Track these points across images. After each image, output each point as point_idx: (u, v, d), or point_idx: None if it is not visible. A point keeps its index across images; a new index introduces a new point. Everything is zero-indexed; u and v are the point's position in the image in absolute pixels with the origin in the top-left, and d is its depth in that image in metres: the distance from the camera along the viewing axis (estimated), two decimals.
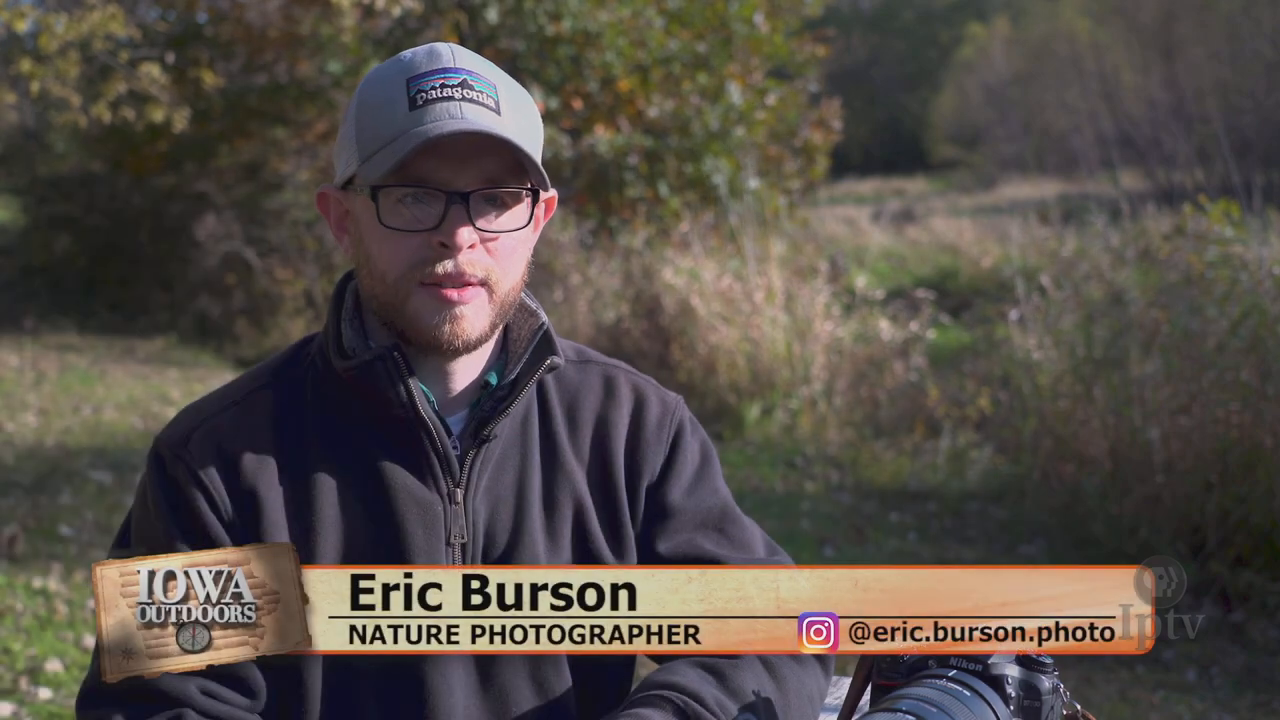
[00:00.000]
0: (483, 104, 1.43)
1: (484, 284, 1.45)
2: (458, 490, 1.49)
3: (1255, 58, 19.53)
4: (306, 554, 1.44)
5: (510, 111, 1.45)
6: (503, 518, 1.51)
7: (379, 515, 1.48)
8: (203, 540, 1.44)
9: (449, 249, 1.42)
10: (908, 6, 41.59)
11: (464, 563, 1.49)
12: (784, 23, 12.25)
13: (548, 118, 10.42)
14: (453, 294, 1.44)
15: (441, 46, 1.48)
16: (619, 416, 1.59)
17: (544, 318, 1.57)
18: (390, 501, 1.48)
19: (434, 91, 1.42)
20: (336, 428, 1.50)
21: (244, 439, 1.48)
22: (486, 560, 1.50)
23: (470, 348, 1.48)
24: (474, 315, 1.46)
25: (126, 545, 1.50)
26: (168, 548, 1.43)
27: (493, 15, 11.00)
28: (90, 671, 1.43)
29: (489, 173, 1.43)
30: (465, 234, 1.42)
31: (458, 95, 1.43)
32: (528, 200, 1.47)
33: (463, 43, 9.88)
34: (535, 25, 11.08)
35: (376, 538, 1.47)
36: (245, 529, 1.45)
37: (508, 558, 1.50)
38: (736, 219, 9.59)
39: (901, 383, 7.96)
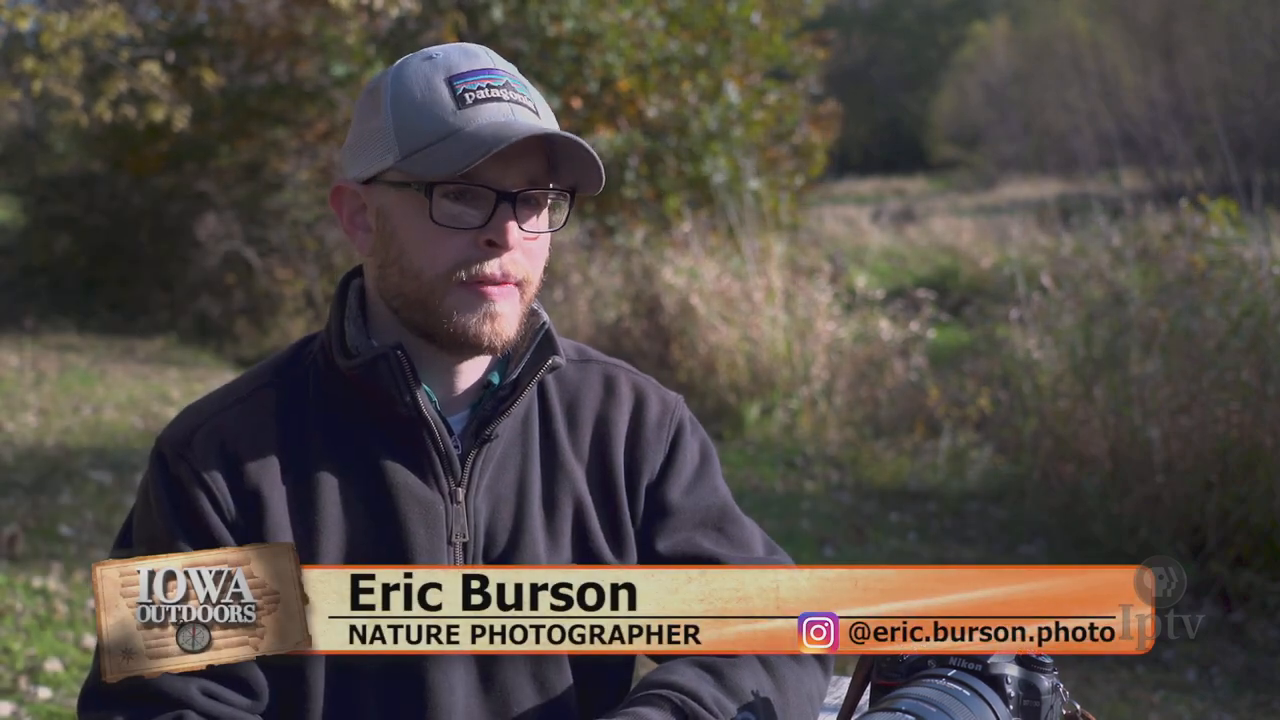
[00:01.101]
0: (525, 105, 1.45)
1: (519, 284, 1.46)
2: (459, 490, 1.50)
3: (1255, 58, 19.54)
4: (309, 553, 1.45)
5: (544, 113, 1.47)
6: (503, 517, 1.52)
7: (381, 514, 1.48)
8: (205, 540, 1.44)
9: (497, 248, 1.43)
10: (908, 6, 41.59)
11: (465, 562, 1.49)
12: (783, 23, 12.25)
13: None
14: (493, 291, 1.44)
15: (473, 46, 1.49)
16: (619, 415, 1.59)
17: (545, 317, 1.57)
18: (392, 500, 1.48)
19: (481, 91, 1.43)
20: (339, 426, 1.50)
21: (247, 438, 1.48)
22: (487, 559, 1.50)
23: (505, 347, 1.48)
24: (510, 314, 1.46)
25: (128, 545, 1.50)
26: (169, 547, 1.43)
27: (497, 15, 11.02)
28: (91, 672, 1.43)
29: (531, 173, 1.44)
30: (515, 234, 1.43)
31: (505, 96, 1.44)
32: (565, 201, 1.48)
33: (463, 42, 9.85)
34: (537, 25, 11.09)
35: (379, 537, 1.47)
36: (248, 528, 1.45)
37: (508, 556, 1.51)
38: (736, 218, 9.59)
39: (901, 383, 7.96)
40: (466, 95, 1.43)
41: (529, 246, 1.46)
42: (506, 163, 1.42)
